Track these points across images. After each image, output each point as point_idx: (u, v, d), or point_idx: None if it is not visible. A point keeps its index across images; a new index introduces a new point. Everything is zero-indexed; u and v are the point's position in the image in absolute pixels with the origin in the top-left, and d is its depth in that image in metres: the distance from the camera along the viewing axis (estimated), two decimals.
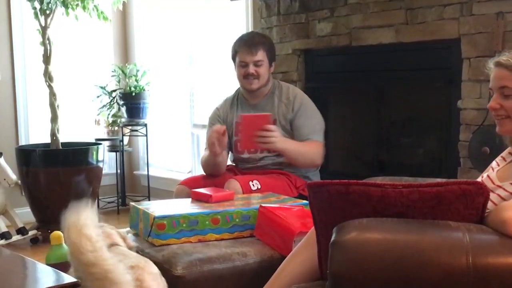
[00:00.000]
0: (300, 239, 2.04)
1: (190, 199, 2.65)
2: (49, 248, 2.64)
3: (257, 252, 2.28)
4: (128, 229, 2.86)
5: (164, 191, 4.79)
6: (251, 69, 3.15)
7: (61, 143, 4.31)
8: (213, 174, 3.15)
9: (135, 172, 5.59)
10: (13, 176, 4.20)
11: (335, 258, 1.50)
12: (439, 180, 1.76)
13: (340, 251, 1.49)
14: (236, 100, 3.31)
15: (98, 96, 5.10)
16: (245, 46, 3.18)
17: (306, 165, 3.12)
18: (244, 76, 3.17)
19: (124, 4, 4.59)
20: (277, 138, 2.95)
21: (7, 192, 4.20)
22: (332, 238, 1.53)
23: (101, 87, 5.10)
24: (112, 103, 5.11)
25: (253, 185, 2.91)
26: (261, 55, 3.16)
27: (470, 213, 1.57)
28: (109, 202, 5.13)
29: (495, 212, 1.57)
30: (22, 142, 4.87)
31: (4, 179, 4.15)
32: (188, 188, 3.04)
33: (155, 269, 1.72)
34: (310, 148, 3.08)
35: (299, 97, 3.20)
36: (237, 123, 3.11)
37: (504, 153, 1.95)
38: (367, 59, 3.65)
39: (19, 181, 4.23)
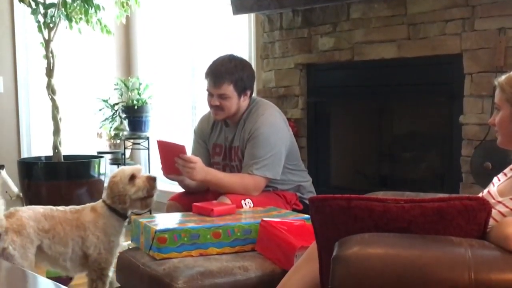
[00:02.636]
0: (302, 254, 2.03)
1: (191, 213, 2.65)
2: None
3: (258, 266, 2.27)
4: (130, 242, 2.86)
5: (166, 204, 4.78)
6: (215, 101, 2.95)
7: (63, 156, 4.31)
8: (192, 192, 3.08)
9: None
10: (15, 188, 4.20)
11: (336, 273, 1.49)
12: (441, 195, 1.76)
13: (341, 266, 1.49)
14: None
15: (100, 109, 5.12)
16: (210, 76, 2.96)
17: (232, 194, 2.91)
18: (210, 106, 3.02)
19: (127, 18, 4.61)
20: (195, 169, 2.78)
21: (8, 205, 4.19)
22: (334, 253, 1.53)
23: (104, 100, 5.12)
24: (114, 116, 5.13)
25: (245, 203, 2.82)
26: (225, 89, 2.91)
27: (472, 228, 1.57)
28: None
29: (498, 228, 1.57)
30: (24, 154, 4.88)
31: (6, 192, 4.15)
32: (179, 203, 3.02)
33: None
34: (237, 180, 2.89)
35: (258, 124, 2.94)
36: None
37: (506, 169, 1.96)
38: (369, 74, 3.66)
39: (21, 194, 4.23)
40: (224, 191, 2.90)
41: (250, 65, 3.11)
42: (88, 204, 2.71)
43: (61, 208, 2.68)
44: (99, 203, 2.69)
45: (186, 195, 3.07)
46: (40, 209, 2.65)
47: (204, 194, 3.04)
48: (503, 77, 1.91)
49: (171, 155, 2.83)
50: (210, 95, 2.99)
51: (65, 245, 2.59)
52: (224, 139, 3.11)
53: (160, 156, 2.93)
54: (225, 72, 2.93)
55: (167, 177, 3.01)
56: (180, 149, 2.81)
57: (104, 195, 2.69)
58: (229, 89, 2.93)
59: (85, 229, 2.61)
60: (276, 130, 2.96)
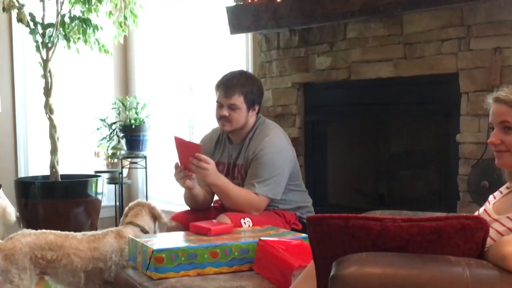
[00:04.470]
0: (300, 273, 2.03)
1: (188, 232, 2.64)
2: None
3: (256, 286, 2.26)
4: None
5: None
6: (224, 111, 2.98)
7: (61, 175, 4.31)
8: (196, 208, 3.08)
9: None
10: (12, 208, 4.18)
11: None
12: (438, 214, 1.76)
13: (339, 286, 1.48)
14: (222, 137, 3.20)
15: (98, 129, 5.12)
16: (222, 86, 3.01)
17: (233, 208, 2.92)
18: (219, 117, 3.04)
19: (125, 37, 4.64)
20: (209, 171, 2.81)
21: (5, 224, 4.19)
22: (332, 272, 1.52)
23: (101, 120, 5.12)
24: (112, 135, 5.12)
25: (244, 222, 2.83)
26: (235, 99, 2.96)
27: (470, 247, 1.57)
28: None
29: (495, 247, 1.56)
30: (22, 174, 4.87)
31: None
32: (180, 223, 3.01)
33: None
34: (244, 195, 2.91)
35: (263, 145, 2.97)
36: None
37: (502, 188, 1.95)
38: (366, 93, 3.67)
39: (18, 213, 4.22)
40: (229, 203, 2.93)
41: (260, 82, 3.20)
42: (110, 229, 2.65)
43: (79, 235, 2.60)
44: (127, 226, 2.65)
45: (188, 214, 3.07)
46: (50, 235, 2.56)
47: (206, 213, 3.04)
48: (503, 93, 1.79)
49: (186, 153, 2.84)
50: (220, 106, 3.02)
51: (74, 276, 2.50)
52: (228, 156, 3.12)
53: (177, 153, 2.93)
54: (237, 84, 3.00)
55: (181, 185, 2.97)
56: (196, 148, 2.84)
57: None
58: (239, 100, 2.98)
59: (105, 260, 2.54)
60: (280, 151, 2.99)
